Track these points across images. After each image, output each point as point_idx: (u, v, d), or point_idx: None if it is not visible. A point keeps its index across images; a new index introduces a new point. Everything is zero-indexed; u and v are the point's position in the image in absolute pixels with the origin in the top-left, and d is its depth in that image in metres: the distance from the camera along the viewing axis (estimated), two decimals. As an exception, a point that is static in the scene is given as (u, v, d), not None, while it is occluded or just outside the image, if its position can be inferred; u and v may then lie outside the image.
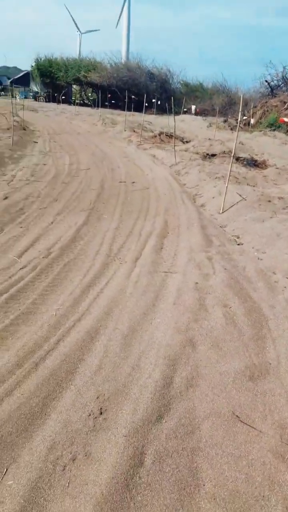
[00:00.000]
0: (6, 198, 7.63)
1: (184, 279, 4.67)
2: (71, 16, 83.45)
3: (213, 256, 5.39)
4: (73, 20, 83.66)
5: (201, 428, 2.66)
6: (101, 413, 2.72)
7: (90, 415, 2.70)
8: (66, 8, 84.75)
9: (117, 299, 4.18)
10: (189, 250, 5.60)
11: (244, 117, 26.40)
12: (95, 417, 2.68)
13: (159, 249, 5.66)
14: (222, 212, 7.39)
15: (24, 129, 18.20)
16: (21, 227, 6.21)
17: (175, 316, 3.88)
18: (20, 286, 4.35)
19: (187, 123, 28.42)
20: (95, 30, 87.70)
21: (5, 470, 2.30)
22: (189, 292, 4.36)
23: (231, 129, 24.80)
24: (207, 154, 13.19)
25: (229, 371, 3.17)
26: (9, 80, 59.13)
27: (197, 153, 13.56)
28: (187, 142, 16.88)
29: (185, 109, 35.71)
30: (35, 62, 52.53)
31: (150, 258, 5.27)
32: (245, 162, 12.15)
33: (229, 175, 7.65)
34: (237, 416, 2.76)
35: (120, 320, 3.80)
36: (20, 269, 4.76)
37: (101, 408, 2.76)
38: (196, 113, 36.78)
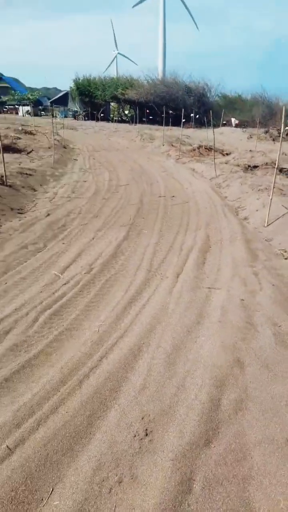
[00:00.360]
0: (48, 215, 7.83)
1: (228, 296, 4.53)
2: (113, 31, 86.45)
3: (259, 271, 5.21)
4: (114, 36, 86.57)
5: (253, 454, 2.52)
6: (146, 435, 2.64)
7: (135, 436, 2.63)
8: (111, 24, 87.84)
9: (159, 316, 4.11)
10: (233, 265, 5.45)
11: (287, 128, 25.88)
12: (141, 439, 2.61)
13: (202, 264, 5.56)
14: (267, 225, 7.18)
15: (65, 147, 18.79)
16: (63, 243, 6.32)
17: (221, 334, 3.75)
18: (63, 302, 4.39)
19: (226, 136, 28.25)
20: (132, 61, 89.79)
21: (51, 489, 2.27)
22: (235, 309, 4.22)
23: (273, 140, 24.33)
24: (249, 166, 12.98)
25: (281, 394, 3.00)
26: (49, 101, 61.64)
27: (238, 165, 13.38)
28: (227, 154, 16.73)
29: (224, 122, 35.58)
30: (74, 82, 54.51)
31: (192, 273, 5.17)
32: (288, 173, 11.82)
33: (273, 187, 7.44)
34: (291, 443, 2.59)
35: (163, 337, 3.72)
36: (63, 285, 4.82)
37: (146, 429, 2.68)
38: (236, 125, 36.54)
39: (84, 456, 2.48)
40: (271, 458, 2.47)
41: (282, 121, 7.49)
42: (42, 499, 2.21)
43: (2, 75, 72.99)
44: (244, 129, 31.90)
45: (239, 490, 2.29)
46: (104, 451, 2.51)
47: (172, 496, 2.22)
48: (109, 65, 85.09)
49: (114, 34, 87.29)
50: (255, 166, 12.87)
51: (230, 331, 3.81)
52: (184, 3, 71.84)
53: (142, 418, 2.78)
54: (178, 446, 2.53)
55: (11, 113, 52.53)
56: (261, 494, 2.26)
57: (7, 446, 2.50)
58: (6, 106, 55.18)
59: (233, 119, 36.90)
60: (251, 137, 25.70)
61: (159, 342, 3.67)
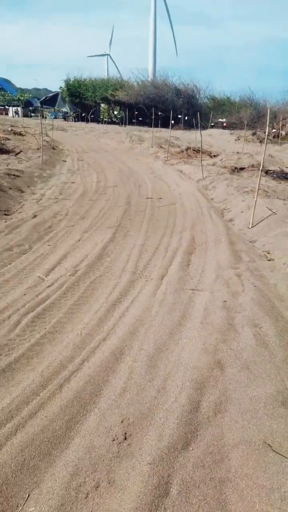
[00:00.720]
0: (35, 216, 7.79)
1: (212, 297, 4.55)
2: (111, 35, 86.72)
3: (242, 273, 5.24)
4: (111, 39, 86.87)
5: (230, 457, 2.52)
6: (125, 438, 2.63)
7: (114, 440, 2.62)
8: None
9: (142, 318, 4.11)
10: (217, 266, 5.48)
11: (273, 130, 26.12)
12: (119, 443, 2.60)
13: (186, 265, 5.57)
14: (252, 227, 7.23)
15: (54, 149, 18.70)
16: (49, 245, 6.29)
17: (203, 336, 3.77)
18: (46, 304, 4.36)
19: (214, 137, 28.41)
20: (112, 34, 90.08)
21: (27, 495, 2.25)
22: (217, 311, 4.24)
23: (260, 142, 24.54)
24: (235, 168, 13.06)
25: (260, 395, 3.01)
26: (39, 101, 61.35)
27: (225, 167, 13.45)
28: (214, 156, 16.81)
29: (212, 124, 35.77)
30: (64, 83, 54.37)
31: (177, 275, 5.18)
32: (275, 175, 11.92)
33: (258, 189, 7.50)
34: (269, 444, 2.61)
35: (146, 340, 3.72)
36: (47, 287, 4.79)
37: (125, 433, 2.67)
38: (224, 127, 36.77)
39: (62, 461, 2.47)
40: (248, 460, 2.48)
41: (267, 123, 7.54)
42: (18, 506, 2.18)
43: (-8, 75, 72.45)
44: (232, 131, 32.11)
45: (215, 493, 2.29)
46: (82, 455, 2.50)
47: (148, 500, 2.22)
48: (95, 55, 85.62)
49: (111, 36, 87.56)
50: (242, 168, 12.95)
51: (212, 332, 3.82)
52: (171, 27, 71.90)
53: (122, 422, 2.77)
54: (157, 450, 2.53)
55: (1, 113, 52.12)
56: (237, 496, 2.27)
57: (-16, 452, 2.47)
58: (-5, 107, 54.72)
59: (222, 120, 37.14)
60: (239, 139, 25.90)
61: (142, 344, 3.67)
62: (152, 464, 2.43)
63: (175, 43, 75.35)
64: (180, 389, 3.07)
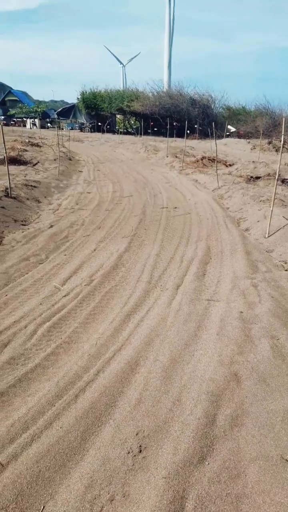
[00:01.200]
0: (51, 226, 7.89)
1: (228, 308, 4.51)
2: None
3: (258, 283, 5.19)
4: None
5: (247, 472, 2.48)
6: (140, 451, 2.62)
7: (129, 452, 2.60)
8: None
9: (157, 329, 4.10)
10: (233, 276, 5.43)
11: (289, 138, 25.92)
12: (134, 455, 2.58)
13: (202, 275, 5.54)
14: (268, 236, 7.16)
15: (70, 159, 18.98)
16: (65, 255, 6.35)
17: (219, 348, 3.73)
18: (62, 314, 4.39)
19: (229, 147, 28.38)
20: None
21: (42, 507, 2.25)
22: (234, 322, 4.20)
23: (276, 151, 24.38)
24: (251, 177, 12.99)
25: (278, 409, 2.96)
26: (56, 113, 62.48)
27: (241, 176, 13.40)
28: (230, 165, 16.77)
29: (227, 133, 35.76)
30: (80, 95, 55.26)
31: (192, 285, 5.16)
32: (290, 184, 11.80)
33: (274, 198, 7.44)
34: (286, 460, 2.55)
35: (161, 351, 3.70)
36: (63, 297, 4.83)
37: (140, 446, 2.65)
38: (239, 136, 36.69)
39: (77, 473, 2.46)
40: (265, 476, 2.43)
41: (283, 132, 7.49)
42: (32, 517, 2.18)
43: (11, 88, 74.30)
44: (248, 140, 32.02)
45: (232, 509, 2.25)
46: (97, 468, 2.49)
47: (164, 515, 2.19)
48: (111, 52, 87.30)
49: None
50: (258, 177, 12.88)
51: (228, 344, 3.78)
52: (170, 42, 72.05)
53: (137, 434, 2.75)
54: (172, 463, 2.50)
55: (19, 125, 53.29)
56: (254, 513, 2.22)
57: (0, 462, 2.49)
58: (14, 119, 56.00)
59: (231, 128, 36.98)
60: (255, 148, 25.80)
61: (157, 355, 3.65)
62: (168, 478, 2.40)
63: (170, 58, 75.20)
64: (196, 401, 3.03)
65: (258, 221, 8.06)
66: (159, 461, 2.53)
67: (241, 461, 2.54)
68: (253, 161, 16.71)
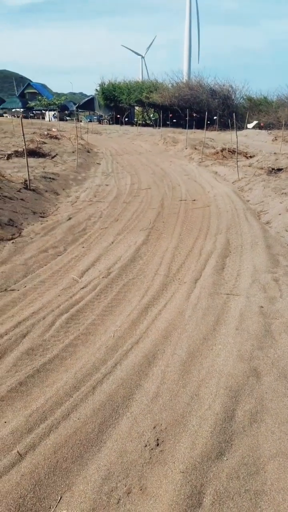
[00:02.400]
0: (69, 218, 7.91)
1: (247, 302, 4.43)
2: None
3: (279, 278, 5.08)
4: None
5: (266, 469, 2.43)
6: (157, 445, 2.59)
7: (146, 446, 2.59)
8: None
9: (175, 322, 4.06)
10: (253, 270, 5.33)
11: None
12: (152, 449, 2.57)
13: (221, 269, 5.46)
14: (288, 230, 6.99)
15: (88, 152, 18.99)
16: (83, 247, 6.36)
17: (238, 342, 3.67)
18: (80, 306, 4.40)
19: (250, 138, 27.88)
20: (153, 41, 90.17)
21: (60, 498, 2.26)
22: (253, 316, 4.12)
23: (297, 142, 23.81)
24: (273, 169, 12.72)
25: (298, 406, 2.89)
26: (75, 106, 62.56)
27: (262, 168, 13.14)
28: (251, 157, 16.47)
29: (249, 126, 35.12)
30: (99, 87, 55.09)
31: (211, 279, 5.09)
32: (313, 176, 11.50)
33: (296, 191, 7.26)
34: (307, 459, 2.49)
35: (179, 344, 3.67)
36: (80, 288, 4.84)
37: (157, 439, 2.63)
38: (261, 127, 35.98)
39: (94, 464, 2.46)
40: (285, 473, 2.38)
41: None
42: (50, 507, 2.19)
43: (30, 81, 74.80)
44: (269, 131, 31.37)
45: (250, 506, 2.21)
46: (114, 460, 2.48)
47: (181, 509, 2.16)
48: (129, 48, 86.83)
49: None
50: (279, 169, 12.60)
51: (248, 339, 3.71)
52: (198, 32, 71.24)
53: (154, 427, 2.73)
54: (190, 458, 2.47)
55: (38, 118, 53.62)
56: (273, 510, 2.18)
57: (18, 452, 2.51)
58: (33, 112, 56.38)
59: (252, 124, 36.23)
60: (276, 139, 25.26)
61: (175, 349, 3.62)
62: (185, 472, 2.38)
63: (198, 49, 74.27)
64: (214, 396, 2.99)
65: (280, 214, 7.89)
66: (177, 455, 2.50)
67: (260, 458, 2.50)
68: (274, 153, 16.37)
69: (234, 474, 2.39)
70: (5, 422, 2.77)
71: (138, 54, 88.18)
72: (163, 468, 2.43)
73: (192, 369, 3.33)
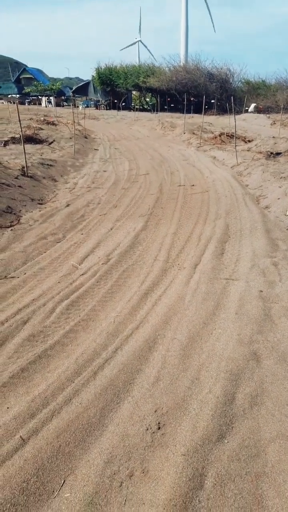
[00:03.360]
0: (68, 205, 7.86)
1: (247, 287, 4.43)
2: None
3: (279, 262, 5.07)
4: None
5: (267, 451, 2.46)
6: (159, 428, 2.62)
7: (147, 429, 2.61)
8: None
9: (175, 307, 4.06)
10: (252, 255, 5.32)
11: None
12: (153, 432, 2.59)
13: (220, 254, 5.45)
14: (288, 214, 6.96)
15: (86, 138, 18.78)
16: (82, 234, 6.33)
17: (238, 326, 3.68)
18: (80, 292, 4.40)
19: (249, 122, 27.57)
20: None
21: (63, 481, 2.29)
22: (253, 300, 4.12)
23: (297, 126, 23.56)
24: (271, 153, 12.61)
25: (298, 389, 2.91)
26: (72, 91, 61.58)
27: (260, 153, 13.02)
28: (249, 141, 16.30)
29: (247, 108, 34.70)
30: (96, 71, 54.14)
31: (210, 264, 5.08)
32: (312, 160, 11.41)
33: (295, 175, 7.20)
34: (307, 440, 2.51)
35: (179, 329, 3.68)
36: (80, 275, 4.83)
37: (159, 423, 2.66)
38: (259, 111, 35.55)
39: (96, 448, 2.48)
40: (285, 455, 2.41)
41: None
42: (53, 491, 2.22)
43: (26, 66, 73.47)
44: (268, 115, 31.03)
45: (252, 488, 2.24)
46: (116, 444, 2.51)
47: (183, 492, 2.19)
48: (127, 46, 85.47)
49: (140, 20, 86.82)
50: (278, 153, 12.49)
51: (247, 323, 3.72)
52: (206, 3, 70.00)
53: (155, 411, 2.75)
54: (191, 441, 2.50)
55: (34, 103, 52.84)
56: (274, 492, 2.21)
57: (21, 437, 2.53)
58: (29, 97, 55.53)
59: (252, 105, 35.82)
60: (275, 123, 24.99)
61: (175, 333, 3.63)
62: (186, 455, 2.40)
63: (211, 19, 73.05)
64: (215, 380, 3.01)
65: (279, 199, 7.84)
66: (178, 439, 2.53)
67: (261, 440, 2.52)
68: (273, 137, 16.21)
69: (235, 457, 2.41)
70: (8, 408, 2.79)
71: (135, 42, 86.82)
72: (164, 451, 2.46)
73: (192, 353, 3.34)
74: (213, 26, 74.61)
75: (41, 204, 8.05)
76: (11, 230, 6.35)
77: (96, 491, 2.22)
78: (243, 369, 3.12)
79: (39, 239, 6.05)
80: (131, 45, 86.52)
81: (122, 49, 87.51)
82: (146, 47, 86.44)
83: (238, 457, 2.40)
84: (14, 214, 7.14)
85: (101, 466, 2.36)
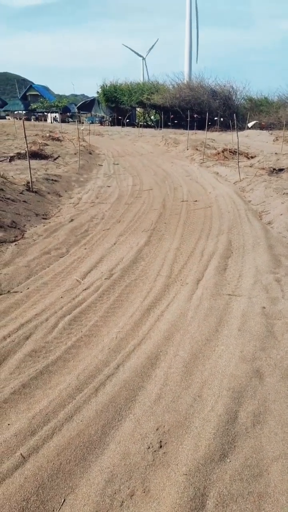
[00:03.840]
0: (72, 220, 7.92)
1: (250, 303, 4.43)
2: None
3: (282, 278, 5.07)
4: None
5: (270, 471, 2.42)
6: (160, 447, 2.59)
7: (149, 447, 2.59)
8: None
9: (178, 324, 4.06)
10: (255, 271, 5.32)
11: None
12: (155, 451, 2.56)
13: (223, 270, 5.46)
14: (291, 230, 6.98)
15: (90, 153, 19.02)
16: (85, 249, 6.37)
17: (240, 343, 3.66)
18: (83, 307, 4.41)
19: (251, 138, 27.86)
20: (155, 44, 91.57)
21: (63, 500, 2.26)
22: (256, 317, 4.11)
23: (299, 142, 23.77)
24: (274, 169, 12.71)
25: (301, 407, 2.88)
26: (76, 107, 62.65)
27: (263, 169, 13.13)
28: (252, 157, 16.46)
29: (249, 125, 35.12)
30: (101, 88, 55.19)
31: (213, 279, 5.09)
32: (315, 176, 11.49)
33: (298, 191, 7.25)
34: (311, 460, 2.48)
35: (181, 346, 3.67)
36: (83, 290, 4.84)
37: (160, 441, 2.63)
38: (262, 127, 35.94)
39: (97, 466, 2.46)
40: (289, 475, 2.37)
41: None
42: (53, 510, 2.19)
43: (32, 83, 75.03)
44: (270, 132, 31.35)
45: (254, 508, 2.20)
46: (117, 462, 2.48)
47: (184, 512, 2.16)
48: (130, 48, 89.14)
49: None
50: (281, 169, 12.59)
51: (250, 340, 3.71)
52: (197, 32, 71.65)
53: (157, 429, 2.73)
54: (193, 460, 2.47)
55: (40, 120, 53.73)
56: (277, 513, 2.17)
57: (21, 454, 2.51)
58: (35, 114, 56.51)
59: (251, 124, 36.24)
60: (277, 139, 25.24)
61: (177, 350, 3.62)
62: (188, 474, 2.37)
63: (197, 49, 74.49)
64: (217, 397, 2.99)
65: (281, 214, 7.87)
66: (180, 457, 2.50)
67: (264, 460, 2.49)
68: (275, 153, 16.36)
69: (237, 476, 2.38)
70: (9, 424, 2.77)
71: (139, 55, 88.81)
72: (166, 470, 2.43)
73: (195, 371, 3.32)
74: (197, 57, 75.42)
75: (45, 219, 8.12)
76: (15, 244, 6.39)
77: (97, 510, 2.19)
78: (246, 387, 3.10)
79: (43, 253, 6.08)
80: (135, 52, 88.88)
81: (125, 46, 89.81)
82: (146, 67, 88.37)
83: (241, 477, 2.37)
84: (19, 228, 7.20)
85: (102, 485, 2.34)
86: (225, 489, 2.30)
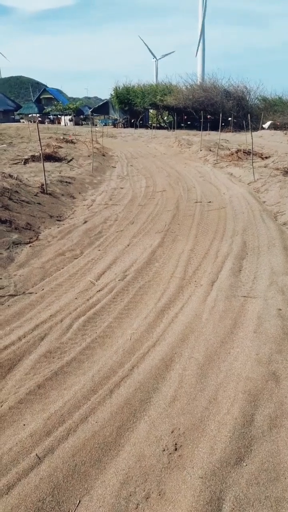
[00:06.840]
0: (85, 222, 7.96)
1: (265, 305, 4.37)
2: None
3: (297, 279, 5.00)
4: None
5: (287, 475, 2.38)
6: (176, 449, 2.58)
7: (164, 450, 2.57)
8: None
9: (192, 325, 4.03)
10: (270, 272, 5.26)
11: None
12: (170, 453, 2.55)
13: (238, 271, 5.41)
14: (306, 231, 6.89)
15: (104, 155, 19.10)
16: (99, 250, 6.39)
17: (256, 346, 3.62)
18: (97, 309, 4.41)
19: (265, 139, 27.61)
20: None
21: (78, 501, 2.26)
22: (272, 319, 4.06)
23: (314, 142, 23.47)
24: (288, 170, 12.55)
25: None
26: (90, 110, 63.10)
27: (278, 169, 12.98)
28: (266, 158, 16.29)
29: (263, 125, 34.80)
30: (113, 90, 55.42)
31: (228, 281, 5.04)
32: None
33: (314, 191, 7.14)
34: None
35: (196, 348, 3.64)
36: (97, 291, 4.86)
37: (176, 444, 2.61)
38: (276, 127, 35.59)
39: (112, 468, 2.46)
40: (307, 481, 2.33)
41: None
42: (69, 511, 2.20)
43: (46, 86, 75.89)
44: (284, 132, 31.03)
45: (272, 514, 2.16)
46: (132, 464, 2.47)
47: (200, 515, 2.14)
48: (145, 44, 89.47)
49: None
50: (296, 169, 12.42)
51: (266, 342, 3.66)
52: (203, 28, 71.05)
53: (172, 432, 2.71)
54: (208, 463, 2.45)
55: (54, 123, 54.26)
56: (296, 519, 2.13)
57: (37, 455, 2.52)
58: (49, 117, 57.10)
59: (267, 124, 35.95)
60: (293, 139, 24.94)
61: (192, 352, 3.59)
62: (204, 478, 2.35)
63: (198, 43, 73.60)
64: (233, 400, 2.95)
65: (297, 215, 7.77)
66: (195, 460, 2.48)
67: (281, 464, 2.45)
68: (290, 153, 16.15)
69: (254, 480, 2.35)
70: (24, 424, 2.79)
71: (153, 54, 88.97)
72: (181, 473, 2.41)
73: (210, 373, 3.29)
74: (197, 50, 74.39)
75: (60, 220, 8.18)
76: (30, 246, 6.45)
77: (112, 513, 2.18)
78: (262, 390, 3.06)
79: (57, 255, 6.12)
80: (148, 49, 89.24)
81: (140, 38, 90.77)
82: (156, 69, 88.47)
83: (257, 481, 2.34)
84: (33, 230, 7.27)
85: (117, 487, 2.33)
86: (242, 493, 2.27)
